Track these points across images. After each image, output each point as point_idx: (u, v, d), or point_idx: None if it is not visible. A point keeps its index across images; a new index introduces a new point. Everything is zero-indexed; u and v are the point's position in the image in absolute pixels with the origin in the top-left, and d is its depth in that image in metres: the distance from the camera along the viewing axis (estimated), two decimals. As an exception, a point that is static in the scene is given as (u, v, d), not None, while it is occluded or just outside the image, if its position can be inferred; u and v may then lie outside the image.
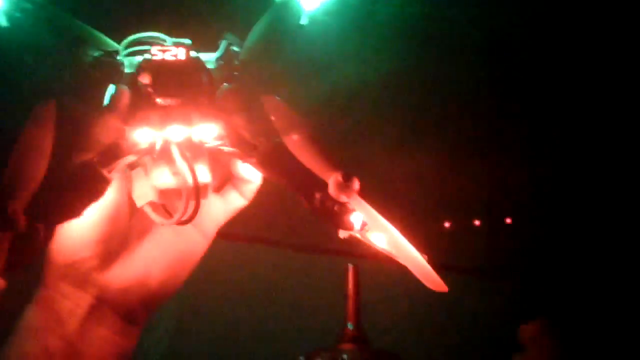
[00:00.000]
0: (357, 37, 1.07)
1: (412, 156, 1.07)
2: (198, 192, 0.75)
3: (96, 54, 0.85)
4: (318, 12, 0.98)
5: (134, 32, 0.87)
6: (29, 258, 0.65)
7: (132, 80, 0.79)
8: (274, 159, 0.78)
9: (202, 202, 0.77)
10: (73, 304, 0.77)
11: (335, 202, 0.73)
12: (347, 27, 1.04)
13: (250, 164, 0.79)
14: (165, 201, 0.79)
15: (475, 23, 1.20)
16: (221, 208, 0.86)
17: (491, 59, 1.22)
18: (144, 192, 0.79)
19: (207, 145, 0.78)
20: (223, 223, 0.88)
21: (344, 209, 0.74)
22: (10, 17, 0.84)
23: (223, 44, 0.89)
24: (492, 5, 1.20)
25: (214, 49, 0.90)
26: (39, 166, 0.67)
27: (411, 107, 1.11)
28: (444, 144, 1.11)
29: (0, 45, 0.84)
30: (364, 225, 0.74)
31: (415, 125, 1.11)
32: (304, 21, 0.97)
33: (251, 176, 0.85)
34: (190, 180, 0.74)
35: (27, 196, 0.64)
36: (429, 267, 0.70)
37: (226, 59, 0.88)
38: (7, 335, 0.76)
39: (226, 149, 0.79)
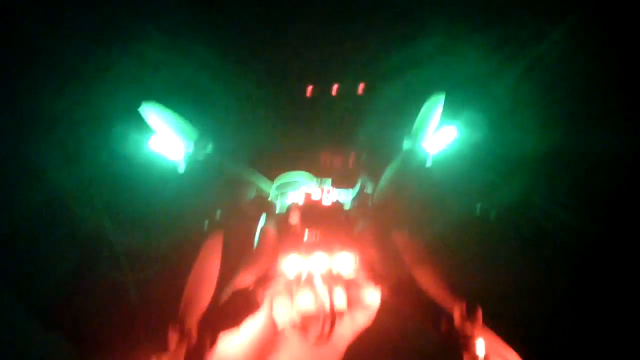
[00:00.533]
0: (479, 174, 1.16)
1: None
2: (334, 318, 0.84)
3: (252, 195, 1.02)
4: (442, 155, 1.10)
5: (286, 166, 1.05)
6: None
7: (282, 219, 0.93)
8: (404, 289, 0.86)
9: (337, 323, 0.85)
10: None
11: (461, 330, 0.78)
12: (468, 166, 1.15)
13: (383, 292, 0.87)
14: (305, 323, 0.89)
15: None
16: (349, 327, 0.93)
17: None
18: (287, 314, 0.90)
19: (344, 275, 0.88)
20: (351, 340, 0.94)
21: (469, 338, 0.78)
22: (189, 163, 1.04)
23: (358, 186, 1.03)
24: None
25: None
26: (208, 289, 0.80)
27: (531, 241, 1.16)
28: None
29: (180, 185, 1.04)
30: (487, 356, 0.78)
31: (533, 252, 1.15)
32: (429, 164, 1.09)
33: (374, 300, 0.92)
34: (327, 307, 0.84)
35: (199, 315, 0.77)
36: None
37: (361, 200, 1.01)
38: None
39: (361, 279, 0.89)
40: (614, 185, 1.28)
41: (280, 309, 0.91)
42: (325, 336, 0.85)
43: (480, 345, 0.79)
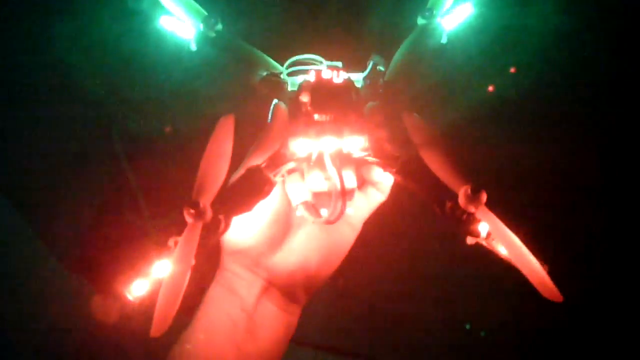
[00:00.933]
0: (497, 52, 1.13)
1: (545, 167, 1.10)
2: (344, 195, 0.87)
3: (263, 74, 1.01)
4: (458, 31, 1.07)
5: (294, 53, 1.03)
6: (212, 243, 0.82)
7: (293, 98, 0.93)
8: (411, 170, 0.88)
9: (348, 202, 0.89)
10: (248, 283, 0.94)
11: (464, 211, 0.81)
12: (485, 43, 1.11)
13: (391, 173, 0.90)
14: (317, 202, 0.93)
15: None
16: (365, 204, 0.98)
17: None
18: (300, 193, 0.93)
19: (354, 155, 0.90)
20: (367, 216, 0.99)
21: (471, 218, 0.81)
22: (198, 43, 1.03)
23: (370, 65, 1.01)
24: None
25: (362, 65, 1.02)
26: (222, 169, 0.83)
27: (550, 121, 1.14)
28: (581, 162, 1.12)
29: (190, 65, 1.04)
30: (489, 234, 0.82)
31: (553, 137, 1.14)
32: (444, 40, 1.06)
33: (386, 178, 0.95)
34: (338, 186, 0.87)
35: (213, 193, 0.81)
36: (547, 277, 0.75)
37: (372, 78, 1.00)
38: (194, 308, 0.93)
39: (370, 159, 0.91)
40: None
41: (292, 187, 0.94)
42: (338, 213, 0.88)
43: (483, 227, 0.82)
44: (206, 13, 1.02)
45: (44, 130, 1.15)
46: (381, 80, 1.00)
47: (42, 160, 1.16)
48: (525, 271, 0.76)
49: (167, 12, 1.03)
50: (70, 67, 1.16)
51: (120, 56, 1.12)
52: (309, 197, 0.92)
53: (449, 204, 0.83)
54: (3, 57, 1.20)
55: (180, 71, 1.04)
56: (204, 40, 1.03)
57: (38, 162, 1.16)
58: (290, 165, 0.90)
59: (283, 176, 0.92)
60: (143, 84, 1.09)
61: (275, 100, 0.95)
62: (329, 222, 0.89)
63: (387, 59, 1.01)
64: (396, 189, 0.95)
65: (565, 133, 1.17)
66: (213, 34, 1.02)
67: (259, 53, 1.01)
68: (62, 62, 1.17)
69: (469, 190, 0.79)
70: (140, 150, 1.10)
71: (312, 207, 0.93)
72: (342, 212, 0.88)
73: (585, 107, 1.17)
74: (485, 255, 0.81)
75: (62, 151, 1.16)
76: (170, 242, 0.80)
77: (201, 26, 1.02)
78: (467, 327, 1.34)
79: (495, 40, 1.11)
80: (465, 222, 0.82)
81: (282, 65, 1.01)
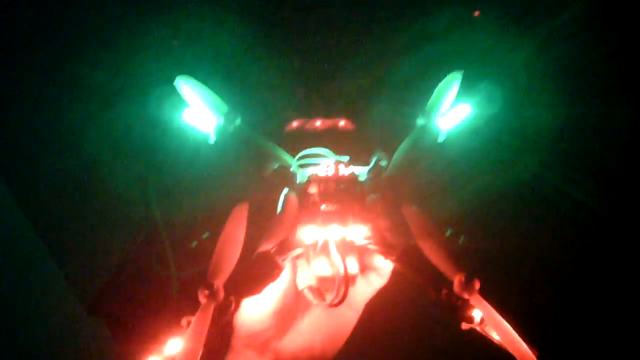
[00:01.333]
0: (491, 150, 1.22)
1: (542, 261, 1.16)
2: (347, 281, 0.93)
3: (275, 166, 1.11)
4: (454, 131, 1.16)
5: (305, 144, 1.13)
6: (224, 323, 0.88)
7: (302, 189, 1.02)
8: (410, 258, 0.95)
9: (350, 286, 0.95)
10: None
11: (459, 298, 0.87)
12: (480, 142, 1.21)
13: (390, 260, 0.96)
14: (322, 286, 0.99)
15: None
16: (366, 288, 1.04)
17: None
18: (305, 278, 1.00)
19: (357, 243, 0.97)
20: (368, 299, 1.04)
21: (466, 305, 0.87)
22: (219, 134, 1.13)
23: (373, 160, 1.10)
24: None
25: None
26: (235, 254, 0.90)
27: (542, 219, 1.22)
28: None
29: (210, 155, 1.13)
30: (483, 319, 0.87)
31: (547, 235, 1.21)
32: (441, 139, 1.15)
33: (386, 265, 1.01)
34: (342, 271, 0.93)
35: (226, 276, 0.87)
36: (538, 364, 0.80)
37: (375, 172, 1.09)
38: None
39: (372, 246, 0.98)
40: (631, 161, 1.33)
41: (300, 273, 1.01)
42: (341, 297, 0.94)
43: (476, 313, 0.87)
44: (227, 108, 1.12)
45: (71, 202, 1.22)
46: (383, 174, 1.08)
47: (76, 210, 1.22)
48: (517, 355, 0.80)
49: (189, 106, 1.14)
50: (94, 159, 1.25)
51: (143, 147, 1.22)
52: (314, 282, 0.98)
53: (444, 291, 0.89)
54: (32, 147, 1.29)
55: (200, 162, 1.14)
56: (223, 133, 1.13)
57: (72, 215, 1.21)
58: (298, 251, 0.97)
59: (289, 261, 0.98)
60: (164, 173, 1.18)
61: (285, 191, 1.03)
62: (332, 305, 0.95)
63: (389, 154, 1.10)
64: (396, 275, 1.01)
65: (557, 225, 1.24)
66: (232, 129, 1.12)
67: (272, 145, 1.10)
68: (85, 154, 1.26)
69: (463, 278, 0.85)
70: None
71: (317, 291, 0.98)
72: (345, 296, 0.94)
73: (574, 201, 1.24)
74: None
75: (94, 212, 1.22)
76: (183, 321, 0.86)
77: (222, 120, 1.12)
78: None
79: (491, 138, 1.21)
80: (460, 308, 0.88)
81: (292, 156, 1.10)
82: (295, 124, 1.20)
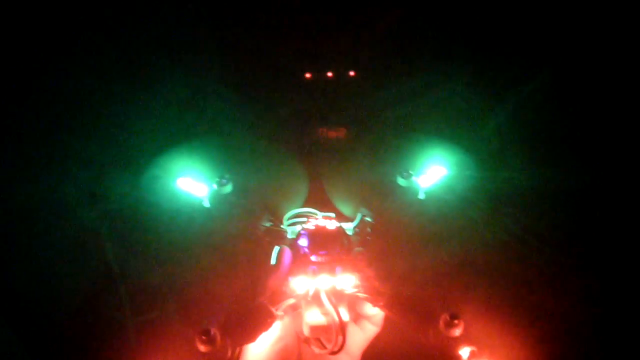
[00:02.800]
0: (467, 209, 1.31)
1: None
2: (344, 328, 0.98)
3: (267, 224, 1.18)
4: (433, 189, 1.25)
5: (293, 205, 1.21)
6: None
7: (292, 243, 1.08)
8: (397, 303, 0.99)
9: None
10: None
11: (445, 337, 0.91)
12: (457, 200, 1.29)
13: (379, 307, 1.01)
14: (315, 335, 1.02)
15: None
16: (361, 335, 1.07)
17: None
18: (299, 328, 1.04)
19: (346, 291, 1.02)
20: (364, 346, 1.07)
21: (453, 343, 0.91)
22: (212, 201, 1.20)
23: (358, 217, 1.18)
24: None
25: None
26: (229, 304, 0.95)
27: (518, 275, 1.28)
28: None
29: (205, 220, 1.20)
30: (471, 356, 0.90)
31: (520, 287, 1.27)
32: (421, 196, 1.24)
33: (377, 312, 1.05)
34: (337, 319, 0.98)
35: (222, 324, 0.91)
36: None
37: (361, 227, 1.16)
38: None
39: (361, 294, 1.03)
40: (602, 220, 1.41)
41: (292, 322, 1.05)
42: (339, 345, 0.97)
43: (464, 351, 0.91)
44: (219, 175, 1.21)
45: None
46: (368, 229, 1.16)
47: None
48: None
49: (184, 174, 1.22)
50: (87, 227, 1.30)
51: (137, 213, 1.28)
52: (307, 332, 1.02)
53: (431, 332, 0.93)
54: (25, 218, 1.33)
55: (194, 224, 1.20)
56: (216, 198, 1.21)
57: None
58: (291, 301, 1.02)
59: (288, 311, 1.03)
60: (157, 237, 1.24)
61: (277, 246, 1.09)
62: (332, 353, 0.98)
63: (372, 210, 1.18)
64: (388, 322, 1.05)
65: (531, 277, 1.30)
66: (224, 192, 1.20)
67: (264, 206, 1.17)
68: (80, 222, 1.31)
69: (448, 317, 0.90)
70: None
71: (318, 340, 1.02)
72: (343, 344, 0.97)
73: (546, 255, 1.32)
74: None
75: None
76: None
77: (214, 186, 1.20)
78: None
79: (468, 195, 1.29)
80: (447, 347, 0.92)
81: (282, 215, 1.18)
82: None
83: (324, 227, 1.08)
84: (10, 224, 1.29)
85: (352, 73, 1.50)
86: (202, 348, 0.87)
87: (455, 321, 0.90)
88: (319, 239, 1.06)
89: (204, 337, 0.86)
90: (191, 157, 1.24)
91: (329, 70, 1.49)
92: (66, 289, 1.23)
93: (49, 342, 1.18)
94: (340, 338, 0.97)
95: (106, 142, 1.39)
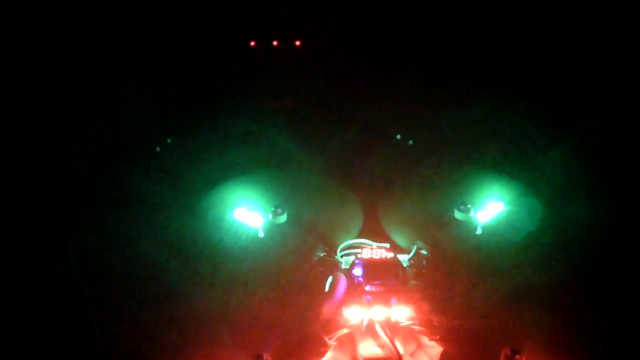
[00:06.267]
0: (529, 245, 1.26)
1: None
2: None
3: (321, 254, 1.17)
4: (491, 225, 1.22)
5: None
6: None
7: (347, 274, 1.08)
8: (454, 337, 0.97)
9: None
10: None
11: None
12: (518, 236, 1.25)
13: (435, 340, 0.98)
14: None
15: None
16: None
17: None
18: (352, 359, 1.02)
19: (401, 324, 1.00)
20: None
21: (513, 380, 0.87)
22: (267, 231, 1.21)
23: (414, 248, 1.17)
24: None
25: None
26: (283, 331, 0.94)
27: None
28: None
29: (260, 249, 1.21)
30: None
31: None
32: (479, 232, 1.21)
33: (434, 345, 1.02)
34: (394, 351, 0.95)
35: (275, 350, 0.91)
36: None
37: (416, 259, 1.15)
38: None
39: (416, 327, 1.00)
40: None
41: (346, 353, 1.03)
42: None
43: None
44: (274, 205, 1.22)
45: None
46: (424, 261, 1.14)
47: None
48: None
49: (240, 205, 1.23)
50: (154, 262, 1.33)
51: (197, 246, 1.30)
52: None
53: (492, 368, 0.89)
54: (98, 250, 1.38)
55: (250, 254, 1.21)
56: (271, 228, 1.22)
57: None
58: (344, 331, 1.00)
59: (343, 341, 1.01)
60: (215, 266, 1.25)
61: (331, 276, 1.09)
62: None
63: (427, 244, 1.16)
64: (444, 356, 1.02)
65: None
66: (279, 222, 1.21)
67: (318, 237, 1.18)
68: (147, 257, 1.34)
69: (509, 352, 0.87)
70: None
71: None
72: None
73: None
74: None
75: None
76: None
77: (270, 216, 1.21)
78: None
79: (530, 231, 1.25)
80: (507, 386, 0.88)
81: (336, 245, 1.18)
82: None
83: (379, 257, 1.07)
84: (86, 256, 1.33)
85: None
86: (254, 372, 0.87)
87: (517, 356, 0.87)
88: (373, 268, 1.05)
89: (255, 362, 0.86)
90: (247, 189, 1.26)
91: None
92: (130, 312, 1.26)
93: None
94: None
95: (163, 175, 1.43)
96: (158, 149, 1.52)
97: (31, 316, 1.24)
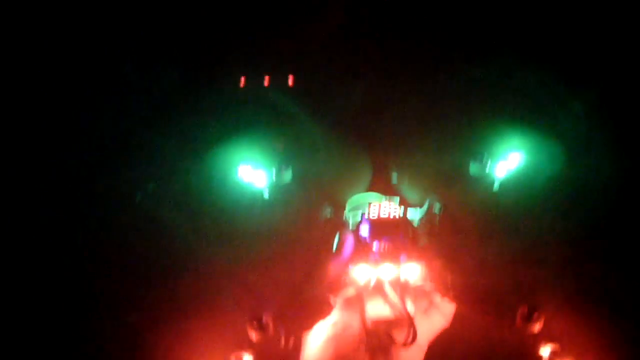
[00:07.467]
0: (547, 199, 1.19)
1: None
2: (412, 320, 0.90)
3: (328, 213, 1.12)
4: (508, 179, 1.16)
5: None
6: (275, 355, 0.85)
7: (354, 232, 1.02)
8: (468, 296, 0.91)
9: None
10: None
11: (523, 332, 0.82)
12: (535, 190, 1.18)
13: (448, 298, 0.93)
14: (379, 327, 0.94)
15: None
16: (428, 327, 0.97)
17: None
18: (360, 319, 0.97)
19: (411, 282, 0.94)
20: (432, 338, 0.97)
21: (532, 340, 0.82)
22: (272, 190, 1.16)
23: (426, 204, 1.10)
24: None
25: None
26: (287, 291, 0.90)
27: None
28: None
29: (265, 208, 1.17)
30: (553, 355, 0.81)
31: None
32: (495, 187, 1.15)
33: (446, 304, 0.96)
34: (404, 312, 0.90)
35: (275, 311, 0.86)
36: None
37: (428, 217, 1.08)
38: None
39: (427, 286, 0.94)
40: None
41: (354, 313, 0.98)
42: (411, 339, 0.89)
43: (543, 347, 0.82)
44: (278, 164, 1.17)
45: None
46: (436, 220, 1.07)
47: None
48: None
49: (244, 162, 1.19)
50: (159, 218, 1.30)
51: (202, 204, 1.26)
52: (369, 323, 0.95)
53: (507, 327, 0.84)
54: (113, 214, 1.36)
55: (255, 212, 1.17)
56: (276, 188, 1.17)
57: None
58: (351, 290, 0.95)
59: (352, 301, 0.96)
60: (219, 224, 1.21)
61: (337, 236, 1.03)
62: (404, 346, 0.90)
63: (441, 199, 1.10)
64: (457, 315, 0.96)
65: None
66: (284, 181, 1.16)
67: (323, 194, 1.12)
68: (154, 214, 1.31)
69: (526, 310, 0.81)
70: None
71: (384, 332, 0.94)
72: (415, 337, 0.89)
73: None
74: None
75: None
76: (232, 358, 0.85)
77: (274, 174, 1.16)
78: None
79: (547, 184, 1.18)
80: (526, 345, 0.82)
81: (343, 203, 1.12)
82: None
83: (386, 214, 1.01)
84: (94, 210, 1.31)
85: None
86: (253, 336, 0.82)
87: (535, 315, 0.81)
88: (381, 226, 0.99)
89: (255, 324, 0.82)
90: (250, 147, 1.21)
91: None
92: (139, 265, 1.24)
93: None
94: (411, 332, 0.89)
95: (171, 134, 1.39)
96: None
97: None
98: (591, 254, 1.10)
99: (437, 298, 0.96)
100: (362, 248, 0.99)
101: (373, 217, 1.01)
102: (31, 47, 1.42)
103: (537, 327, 0.80)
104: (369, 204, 1.09)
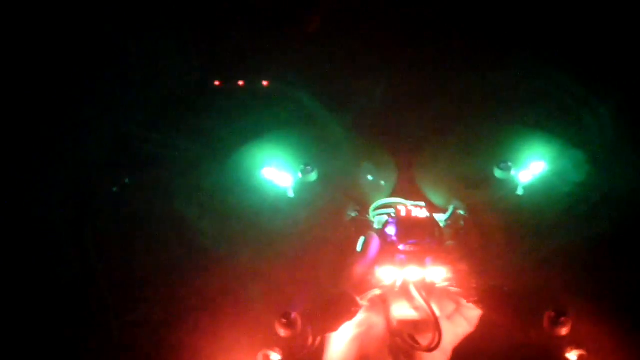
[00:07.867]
0: (572, 204, 1.19)
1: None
2: (438, 323, 0.90)
3: (353, 214, 1.13)
4: (532, 184, 1.16)
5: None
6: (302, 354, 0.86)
7: (380, 233, 1.03)
8: (492, 299, 0.91)
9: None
10: None
11: (550, 336, 0.81)
12: (560, 195, 1.19)
13: (472, 302, 0.93)
14: (404, 329, 0.95)
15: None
16: (453, 332, 0.98)
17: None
18: (385, 320, 0.97)
19: (437, 285, 0.95)
20: (457, 343, 0.98)
21: (558, 344, 0.82)
22: (297, 190, 1.17)
23: (451, 208, 1.11)
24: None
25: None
26: (313, 290, 0.91)
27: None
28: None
29: (290, 208, 1.18)
30: (581, 357, 0.80)
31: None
32: (519, 192, 1.15)
33: (472, 308, 0.96)
34: (430, 314, 0.91)
35: (303, 309, 0.87)
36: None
37: (453, 220, 1.09)
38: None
39: (452, 289, 0.95)
40: None
41: (379, 314, 0.98)
42: (436, 342, 0.90)
43: (570, 352, 0.82)
44: (303, 164, 1.18)
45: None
46: (461, 222, 1.08)
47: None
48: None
49: (269, 164, 1.20)
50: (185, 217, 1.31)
51: (228, 205, 1.27)
52: (394, 324, 0.95)
53: (533, 330, 0.84)
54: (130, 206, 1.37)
55: (280, 213, 1.18)
56: (300, 187, 1.18)
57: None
58: (377, 291, 0.96)
59: (377, 302, 0.97)
60: (246, 227, 1.22)
61: (362, 236, 1.04)
62: (429, 349, 0.90)
63: (465, 203, 1.10)
64: (483, 319, 0.97)
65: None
66: (309, 181, 1.17)
67: (350, 195, 1.13)
68: (179, 213, 1.32)
69: (553, 314, 0.81)
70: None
71: (409, 335, 0.94)
72: (440, 340, 0.89)
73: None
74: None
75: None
76: (259, 356, 0.85)
77: (299, 175, 1.17)
78: None
79: (572, 190, 1.18)
80: (553, 349, 0.82)
81: (369, 204, 1.12)
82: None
83: (413, 215, 1.01)
84: (122, 209, 1.33)
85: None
86: (281, 332, 0.83)
87: (562, 319, 0.81)
88: (407, 227, 0.99)
89: (284, 321, 0.82)
90: (276, 147, 1.22)
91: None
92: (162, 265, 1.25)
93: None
94: (437, 334, 0.90)
95: (195, 134, 1.41)
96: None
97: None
98: (619, 260, 1.10)
99: (463, 301, 0.97)
100: (387, 249, 0.99)
101: (399, 217, 1.02)
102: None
103: (564, 331, 0.80)
104: (395, 204, 1.10)
